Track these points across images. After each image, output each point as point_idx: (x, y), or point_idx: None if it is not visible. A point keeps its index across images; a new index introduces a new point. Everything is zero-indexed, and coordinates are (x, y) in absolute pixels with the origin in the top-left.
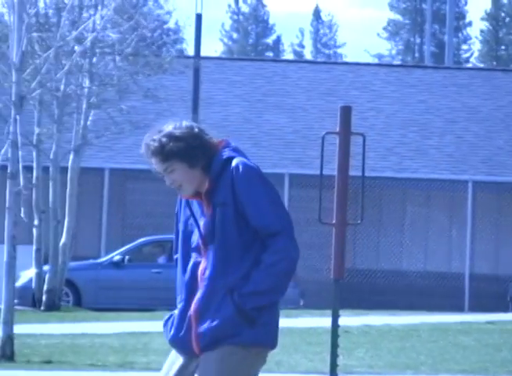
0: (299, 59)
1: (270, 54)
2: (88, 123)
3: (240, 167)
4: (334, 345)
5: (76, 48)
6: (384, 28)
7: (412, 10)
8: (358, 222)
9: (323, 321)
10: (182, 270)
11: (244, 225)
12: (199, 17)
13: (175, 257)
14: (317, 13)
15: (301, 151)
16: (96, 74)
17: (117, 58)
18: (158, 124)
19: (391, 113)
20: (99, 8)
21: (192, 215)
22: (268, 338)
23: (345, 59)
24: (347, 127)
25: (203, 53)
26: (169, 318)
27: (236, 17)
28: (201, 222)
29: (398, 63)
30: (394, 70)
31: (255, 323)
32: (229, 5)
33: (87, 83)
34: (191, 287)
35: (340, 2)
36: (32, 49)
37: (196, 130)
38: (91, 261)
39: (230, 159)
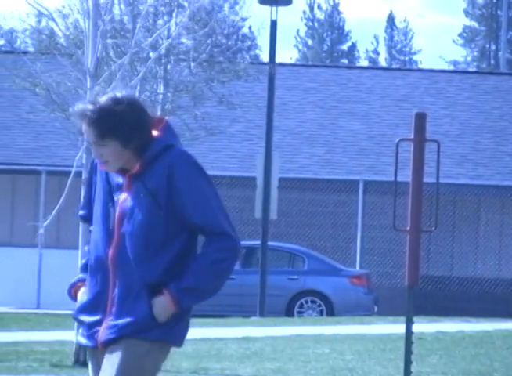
0: (374, 65)
1: (345, 61)
2: None
3: (182, 159)
4: (408, 352)
5: (151, 54)
6: (459, 35)
7: (487, 17)
8: (433, 228)
9: (397, 328)
10: (97, 247)
11: (172, 216)
12: (274, 24)
13: (81, 214)
14: (391, 20)
15: (375, 158)
16: (171, 81)
17: (192, 64)
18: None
19: (465, 119)
20: (174, 14)
21: (110, 189)
22: (177, 336)
23: (420, 66)
24: (421, 133)
25: (277, 60)
26: (72, 286)
27: (310, 24)
28: (120, 199)
29: (473, 69)
30: (469, 76)
31: (176, 321)
32: (304, 12)
33: (162, 89)
34: (102, 269)
35: (415, 9)
36: (107, 56)
37: (138, 107)
38: None
39: (170, 147)
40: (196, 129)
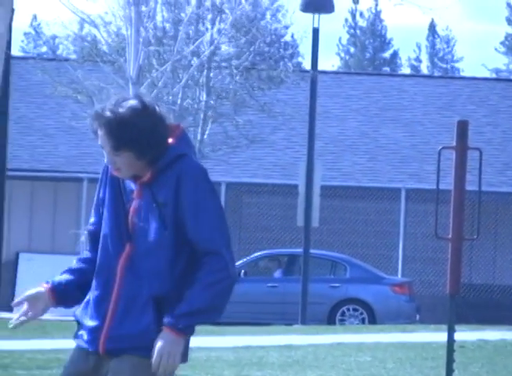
0: (416, 73)
1: (387, 68)
2: (205, 137)
3: (191, 170)
4: (450, 360)
5: (193, 61)
6: (502, 43)
7: None
8: (475, 237)
9: (439, 336)
10: (107, 250)
11: (177, 228)
12: (316, 31)
13: (89, 229)
14: (432, 28)
15: (417, 165)
16: (213, 88)
17: (234, 72)
18: (118, 94)
19: (508, 127)
20: (217, 22)
21: (122, 194)
22: (182, 352)
23: (462, 74)
24: (463, 141)
25: (320, 67)
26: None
27: (352, 31)
28: (132, 206)
29: None
30: (511, 84)
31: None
32: (346, 20)
33: (204, 97)
34: (108, 274)
35: (456, 16)
36: (149, 63)
37: (158, 118)
38: None
39: (182, 156)
40: (237, 137)
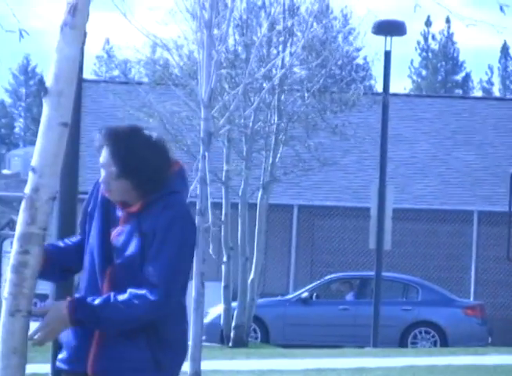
0: (487, 95)
1: (459, 91)
2: (277, 160)
3: (176, 206)
4: None
5: (264, 84)
6: None
7: None
8: None
9: (511, 359)
10: (92, 267)
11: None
12: (388, 54)
13: (77, 237)
14: (505, 50)
15: (489, 188)
16: (284, 111)
17: (306, 94)
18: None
19: None
20: (288, 45)
21: (108, 218)
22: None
23: None
24: None
25: (391, 90)
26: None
27: (424, 54)
28: (114, 231)
29: None
30: None
31: (160, 365)
32: (418, 42)
33: (275, 120)
34: (94, 292)
35: None
36: (221, 86)
37: (164, 155)
38: (279, 297)
39: (172, 194)
40: (309, 160)
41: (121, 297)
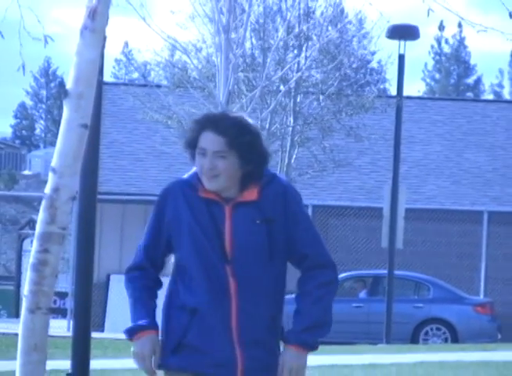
0: (498, 99)
1: (470, 94)
2: (292, 161)
3: (292, 187)
4: None
5: (281, 87)
6: None
7: None
8: None
9: None
10: (206, 273)
11: (282, 244)
12: (401, 58)
13: (137, 262)
14: None
15: (499, 189)
16: (300, 113)
17: (321, 97)
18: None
19: None
20: (304, 48)
21: (213, 218)
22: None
23: None
24: None
25: (405, 93)
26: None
27: (438, 58)
28: (227, 228)
29: None
30: None
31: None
32: (432, 46)
33: (291, 122)
34: (216, 294)
35: None
36: (238, 89)
37: (262, 138)
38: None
39: (276, 176)
40: (324, 161)
41: (311, 298)
